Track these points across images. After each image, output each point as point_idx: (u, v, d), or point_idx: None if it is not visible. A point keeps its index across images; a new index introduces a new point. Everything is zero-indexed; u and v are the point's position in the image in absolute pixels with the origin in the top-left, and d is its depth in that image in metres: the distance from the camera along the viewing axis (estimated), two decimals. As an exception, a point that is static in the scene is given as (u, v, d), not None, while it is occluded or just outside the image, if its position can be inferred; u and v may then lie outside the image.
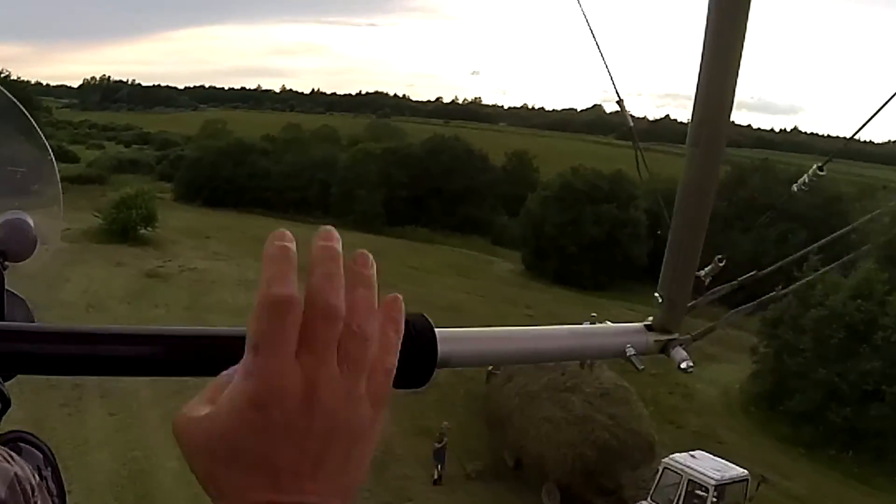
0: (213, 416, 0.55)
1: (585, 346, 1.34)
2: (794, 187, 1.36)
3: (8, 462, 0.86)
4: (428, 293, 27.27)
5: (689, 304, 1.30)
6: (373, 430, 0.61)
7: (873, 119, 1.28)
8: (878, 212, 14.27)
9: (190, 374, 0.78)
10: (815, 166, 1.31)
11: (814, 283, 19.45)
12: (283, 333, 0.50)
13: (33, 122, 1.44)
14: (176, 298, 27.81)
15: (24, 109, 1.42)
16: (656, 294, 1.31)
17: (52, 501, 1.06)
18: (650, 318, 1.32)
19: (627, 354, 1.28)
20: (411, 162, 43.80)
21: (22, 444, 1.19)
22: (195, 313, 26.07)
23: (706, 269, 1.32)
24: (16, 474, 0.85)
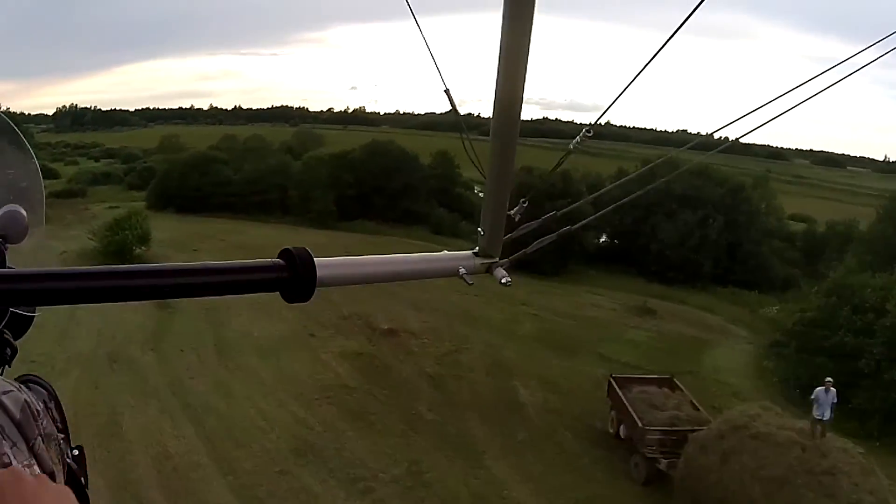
0: None
1: (429, 268, 1.57)
2: (571, 145, 1.63)
3: (20, 391, 1.00)
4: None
5: (506, 237, 1.55)
6: None
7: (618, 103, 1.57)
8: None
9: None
10: (583, 130, 1.59)
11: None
12: None
13: (21, 135, 1.60)
14: (199, 337, 22.65)
15: (13, 125, 1.58)
16: (479, 229, 1.55)
17: (56, 426, 1.24)
18: (476, 248, 1.56)
19: (460, 273, 1.51)
20: (356, 165, 44.46)
21: (31, 384, 1.38)
22: (226, 356, 21.58)
23: (515, 210, 1.57)
24: (26, 400, 0.99)
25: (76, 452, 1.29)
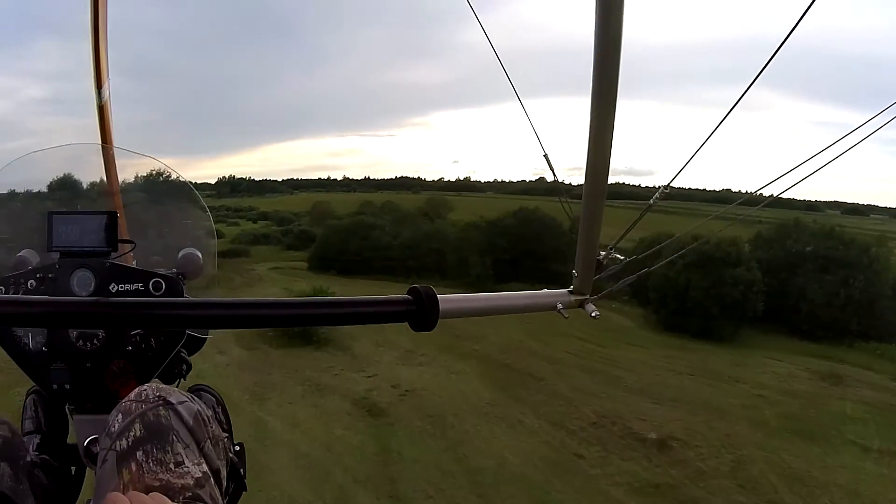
0: None
1: (532, 303, 2.01)
2: (651, 200, 2.03)
3: (193, 402, 1.24)
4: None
5: (595, 277, 2.00)
6: None
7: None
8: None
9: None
10: (659, 189, 2.01)
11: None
12: None
13: (199, 196, 2.16)
14: (440, 467, 16.33)
15: (192, 187, 2.22)
16: (573, 271, 2.01)
17: (222, 428, 1.71)
18: (571, 286, 2.01)
19: (558, 308, 1.95)
20: (508, 231, 46.54)
21: (202, 392, 1.83)
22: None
23: (603, 254, 2.00)
24: (198, 410, 1.23)
25: (238, 448, 1.68)
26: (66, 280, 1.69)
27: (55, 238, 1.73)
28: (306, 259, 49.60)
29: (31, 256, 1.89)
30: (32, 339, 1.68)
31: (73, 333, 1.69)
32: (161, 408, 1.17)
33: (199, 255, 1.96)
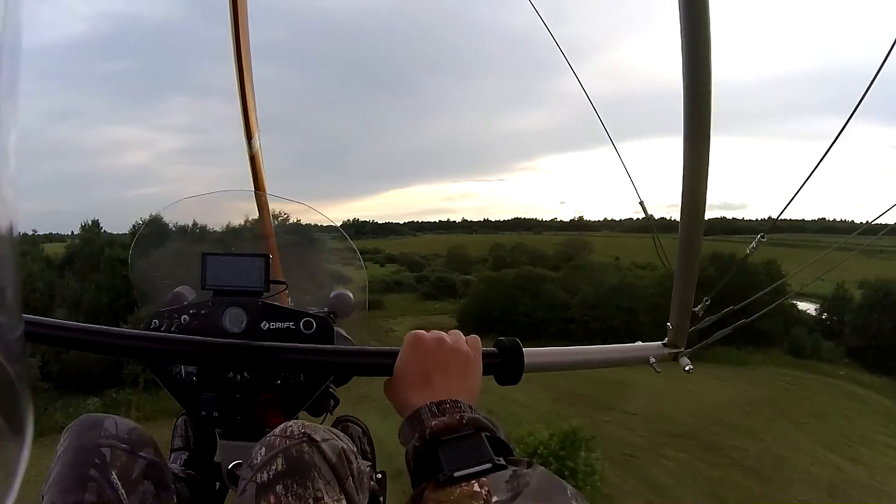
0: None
1: (625, 357, 2.20)
2: (754, 243, 2.17)
3: (337, 439, 1.33)
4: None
5: (690, 329, 2.17)
6: (475, 361, 1.37)
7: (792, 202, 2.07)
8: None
9: None
10: (758, 236, 2.14)
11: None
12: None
13: (347, 238, 2.39)
14: None
15: (344, 233, 2.42)
16: (668, 323, 2.19)
17: (367, 457, 1.92)
18: (665, 339, 2.19)
19: (651, 362, 2.14)
20: (708, 282, 42.15)
21: (348, 423, 2.13)
22: None
23: (699, 306, 2.18)
24: (343, 448, 1.32)
25: (379, 476, 1.90)
26: (219, 317, 1.86)
27: (209, 277, 1.92)
28: (455, 314, 46.94)
29: (186, 293, 2.10)
30: (184, 368, 1.87)
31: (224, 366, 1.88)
32: (305, 444, 1.26)
33: (350, 295, 2.16)
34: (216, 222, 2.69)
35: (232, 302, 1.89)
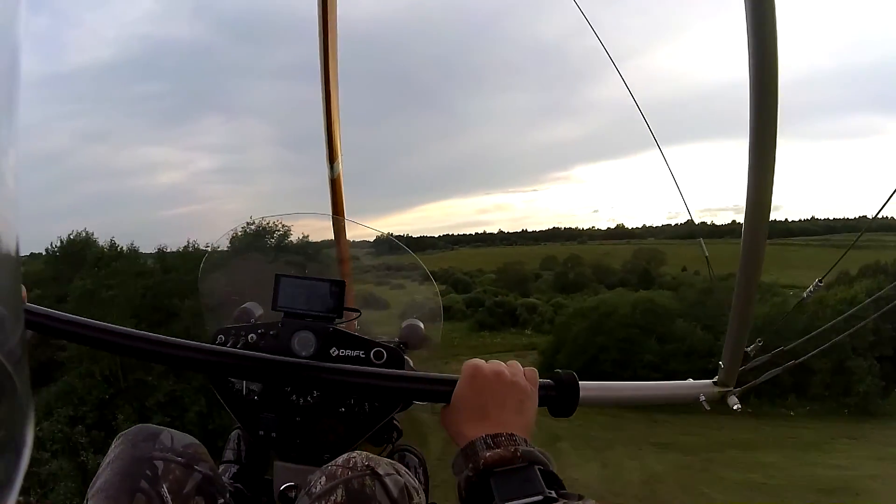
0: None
1: (675, 394, 2.30)
2: (805, 293, 2.31)
3: (400, 475, 1.38)
4: None
5: (741, 368, 2.27)
6: (532, 394, 1.41)
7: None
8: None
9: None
10: (816, 280, 2.25)
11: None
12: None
13: (424, 267, 2.37)
14: None
15: (419, 259, 2.40)
16: (720, 362, 2.29)
17: (423, 488, 1.69)
18: (716, 377, 2.29)
19: (700, 400, 2.24)
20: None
21: (406, 452, 2.03)
22: None
23: (751, 346, 2.27)
24: (405, 483, 1.37)
25: None
26: (288, 339, 1.89)
27: (281, 298, 1.94)
28: (537, 352, 38.94)
29: (254, 309, 2.18)
30: (246, 386, 1.92)
31: (288, 387, 1.91)
32: (367, 478, 1.30)
33: (422, 326, 2.20)
34: (292, 244, 2.87)
35: (302, 325, 1.92)
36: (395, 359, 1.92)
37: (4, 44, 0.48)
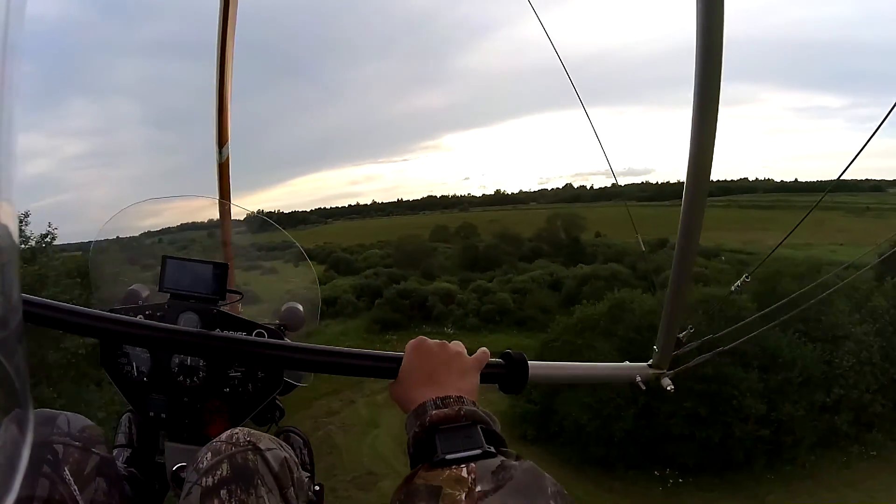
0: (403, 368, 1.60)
1: (614, 375, 2.56)
2: (733, 287, 2.66)
3: (281, 449, 1.50)
4: None
5: (673, 353, 2.54)
6: (476, 366, 1.62)
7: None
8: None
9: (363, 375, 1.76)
10: (744, 276, 2.58)
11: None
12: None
13: (303, 251, 2.55)
14: None
15: (301, 248, 2.57)
16: (654, 346, 2.54)
17: (307, 469, 2.04)
18: (650, 360, 2.55)
19: (637, 380, 2.47)
20: None
21: (291, 433, 2.20)
22: None
23: (684, 332, 2.56)
24: (285, 457, 1.50)
25: (318, 488, 1.98)
26: (174, 320, 2.03)
27: (167, 280, 2.09)
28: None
29: (140, 290, 2.26)
30: (136, 368, 2.02)
31: (175, 368, 2.02)
32: (250, 452, 1.41)
33: (301, 308, 2.34)
34: (177, 227, 3.00)
35: (187, 307, 2.07)
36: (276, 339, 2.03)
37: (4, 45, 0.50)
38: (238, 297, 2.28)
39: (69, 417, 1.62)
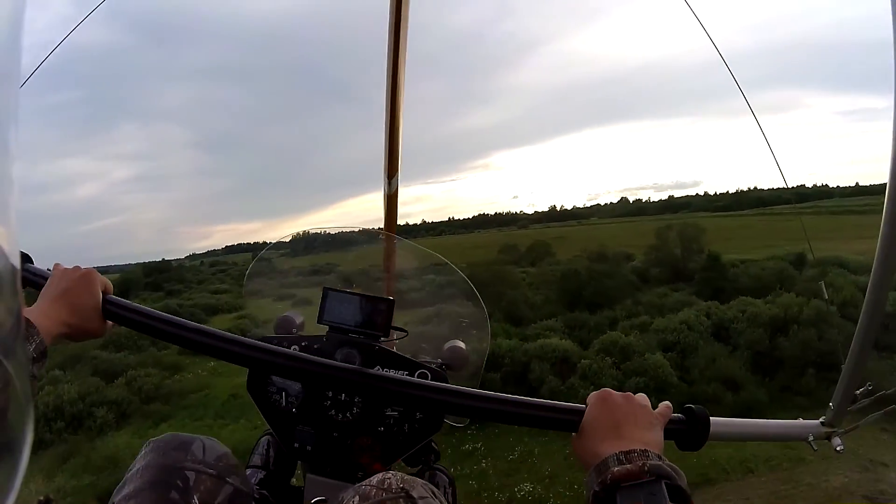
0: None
1: (785, 432, 2.46)
2: None
3: (433, 497, 1.43)
4: None
5: (848, 409, 2.44)
6: (661, 421, 1.51)
7: None
8: None
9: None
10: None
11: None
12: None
13: (473, 289, 2.43)
14: None
15: (468, 280, 2.46)
16: (830, 404, 2.46)
17: None
18: (823, 418, 2.45)
19: (809, 440, 2.38)
20: None
21: (436, 472, 2.08)
22: None
23: (861, 389, 2.45)
24: None
25: None
26: (332, 353, 1.99)
27: (327, 312, 2.06)
28: None
29: (294, 317, 2.29)
30: (285, 397, 2.01)
31: (328, 402, 2.00)
32: (402, 500, 1.33)
33: (465, 348, 2.28)
34: (340, 258, 2.96)
35: (347, 341, 2.03)
36: (440, 381, 1.98)
37: (5, 48, 0.50)
38: (403, 334, 2.20)
39: (205, 443, 1.62)
